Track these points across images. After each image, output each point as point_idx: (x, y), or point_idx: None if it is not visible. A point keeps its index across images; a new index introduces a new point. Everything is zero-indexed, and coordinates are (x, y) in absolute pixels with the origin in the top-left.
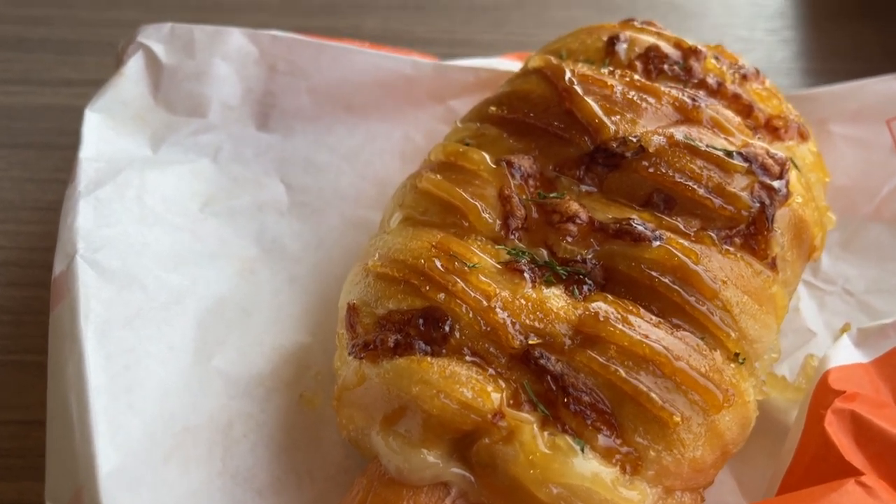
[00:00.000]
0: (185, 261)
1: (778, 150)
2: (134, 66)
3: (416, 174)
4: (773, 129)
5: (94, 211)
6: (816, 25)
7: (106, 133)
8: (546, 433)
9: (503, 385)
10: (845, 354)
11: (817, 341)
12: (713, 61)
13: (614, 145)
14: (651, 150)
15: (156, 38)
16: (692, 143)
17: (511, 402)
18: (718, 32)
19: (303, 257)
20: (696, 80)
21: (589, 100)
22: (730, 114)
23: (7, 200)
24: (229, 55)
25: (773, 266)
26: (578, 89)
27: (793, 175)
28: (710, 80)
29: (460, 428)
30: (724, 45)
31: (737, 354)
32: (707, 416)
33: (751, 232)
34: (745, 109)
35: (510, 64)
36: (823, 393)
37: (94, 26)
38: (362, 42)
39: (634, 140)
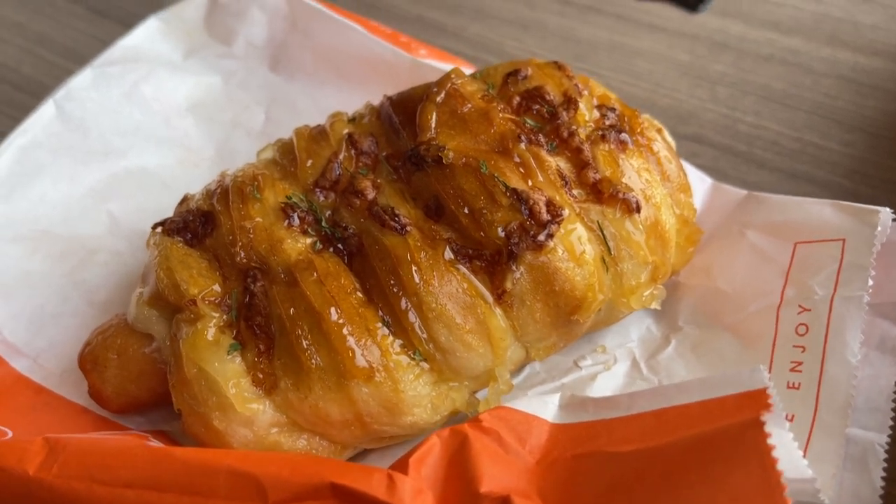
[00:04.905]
0: (139, 133)
1: (591, 212)
2: None
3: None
4: (596, 191)
5: (93, 77)
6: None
7: (154, 35)
8: (218, 330)
9: (218, 286)
10: (538, 406)
11: None
12: (585, 115)
13: (421, 149)
14: (446, 162)
15: None
16: (481, 168)
17: (218, 299)
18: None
19: None
20: (553, 126)
21: (436, 109)
22: (551, 161)
23: (61, 44)
24: (266, 6)
25: (499, 298)
26: (439, 98)
27: (572, 233)
28: (564, 129)
29: (168, 300)
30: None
31: (416, 351)
32: (342, 378)
33: (492, 260)
34: (581, 164)
35: None
36: (475, 419)
37: None
38: (374, 26)
39: (437, 150)
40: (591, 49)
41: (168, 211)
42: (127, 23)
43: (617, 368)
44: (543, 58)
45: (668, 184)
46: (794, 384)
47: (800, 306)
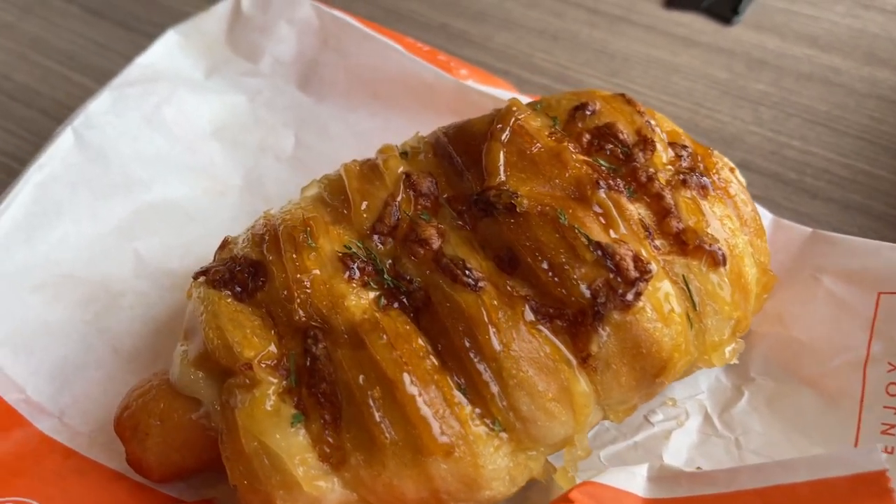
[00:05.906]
0: (161, 161)
1: (675, 265)
2: (223, 8)
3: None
4: (680, 241)
5: (111, 100)
6: None
7: (173, 50)
8: (278, 398)
9: (274, 347)
10: (627, 479)
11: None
12: (663, 157)
13: (491, 195)
14: (519, 210)
15: None
16: (559, 218)
17: (274, 362)
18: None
19: (275, 202)
20: (629, 168)
21: (503, 148)
22: (632, 209)
23: (56, 47)
24: (294, 20)
25: (583, 362)
26: (504, 136)
27: (659, 290)
28: (642, 173)
29: (219, 362)
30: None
31: (496, 421)
32: (419, 454)
33: (575, 321)
34: (662, 212)
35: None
36: (564, 498)
37: None
38: (411, 43)
39: (509, 196)
40: (625, 64)
41: (194, 245)
42: (125, 24)
43: (690, 424)
44: (578, 73)
45: (746, 229)
46: (887, 448)
47: (889, 364)
